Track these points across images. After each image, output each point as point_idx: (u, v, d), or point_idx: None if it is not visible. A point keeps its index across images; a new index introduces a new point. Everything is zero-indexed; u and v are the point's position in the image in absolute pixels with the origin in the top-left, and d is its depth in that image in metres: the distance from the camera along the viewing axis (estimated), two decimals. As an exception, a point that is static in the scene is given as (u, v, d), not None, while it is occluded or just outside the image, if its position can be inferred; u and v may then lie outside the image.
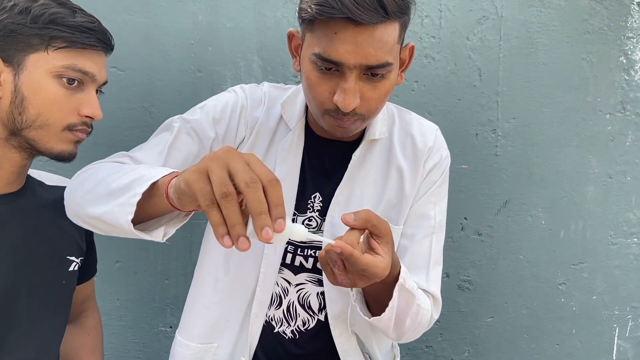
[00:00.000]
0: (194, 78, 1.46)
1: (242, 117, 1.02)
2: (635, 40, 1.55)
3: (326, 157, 1.03)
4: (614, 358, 1.66)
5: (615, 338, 1.66)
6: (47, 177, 1.04)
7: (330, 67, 0.85)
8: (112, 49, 0.98)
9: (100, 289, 1.35)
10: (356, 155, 1.00)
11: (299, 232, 0.68)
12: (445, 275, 1.56)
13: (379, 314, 0.91)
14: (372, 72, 0.85)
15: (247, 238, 0.61)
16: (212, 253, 1.07)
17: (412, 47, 0.95)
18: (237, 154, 0.63)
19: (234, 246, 0.62)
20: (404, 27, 0.87)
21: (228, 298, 1.05)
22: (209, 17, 1.45)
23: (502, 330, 1.63)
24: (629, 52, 1.55)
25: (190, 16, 1.44)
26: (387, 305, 0.90)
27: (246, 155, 0.64)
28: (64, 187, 1.01)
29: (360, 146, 1.01)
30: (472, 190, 1.54)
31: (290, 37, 0.97)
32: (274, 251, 1.01)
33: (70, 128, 0.90)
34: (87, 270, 1.12)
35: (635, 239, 1.61)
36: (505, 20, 1.52)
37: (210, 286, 1.07)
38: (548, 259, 1.60)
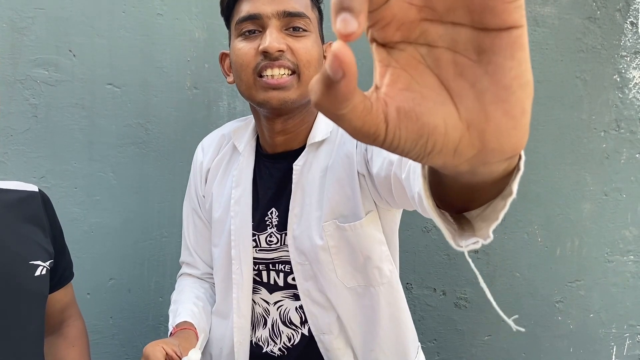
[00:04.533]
0: (190, 95, 1.46)
1: (194, 181, 1.14)
2: (628, 58, 1.56)
3: (275, 172, 1.02)
4: (612, 377, 1.65)
5: (613, 356, 1.64)
6: (2, 183, 1.00)
7: (253, 30, 0.91)
8: None
9: (93, 306, 1.34)
10: (298, 164, 0.98)
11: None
12: (442, 293, 1.55)
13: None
14: (292, 25, 0.91)
15: None
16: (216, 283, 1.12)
17: (330, 46, 1.00)
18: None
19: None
20: (314, 5, 0.96)
21: (223, 326, 1.08)
22: (205, 34, 1.45)
23: (499, 348, 1.62)
24: (623, 71, 1.56)
25: (187, 33, 1.44)
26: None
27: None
28: (21, 191, 1.00)
29: (303, 153, 0.99)
30: (468, 208, 1.54)
31: (222, 57, 1.05)
32: (241, 275, 1.03)
33: None
34: (62, 275, 1.07)
35: (632, 257, 1.61)
36: (499, 39, 1.53)
37: (214, 313, 1.12)
38: (545, 276, 1.60)
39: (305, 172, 0.98)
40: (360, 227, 0.94)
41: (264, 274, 1.03)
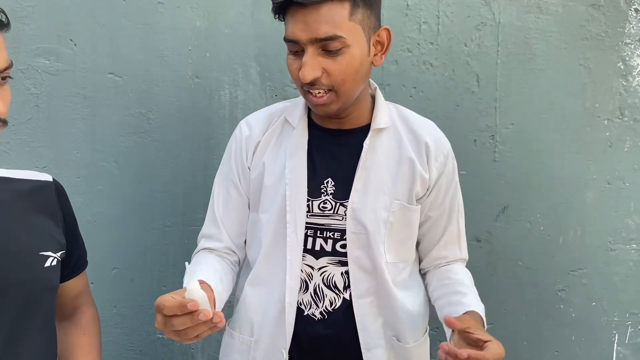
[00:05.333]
0: (192, 84, 1.46)
1: (235, 155, 1.18)
2: (633, 46, 1.55)
3: (333, 146, 1.13)
4: (614, 365, 1.65)
5: (615, 344, 1.65)
6: (16, 172, 0.99)
7: (296, 50, 1.00)
8: (4, 25, 0.82)
9: (96, 295, 1.34)
10: (367, 143, 1.09)
11: (194, 289, 0.83)
12: (444, 281, 1.56)
13: None
14: (327, 48, 0.97)
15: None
16: (252, 249, 1.18)
17: (387, 30, 1.05)
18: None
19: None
20: (357, 6, 0.98)
21: (264, 292, 1.14)
22: (206, 23, 1.45)
23: (501, 336, 1.61)
24: (627, 58, 1.55)
25: (188, 22, 1.44)
26: None
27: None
28: (35, 180, 0.99)
29: (370, 135, 1.10)
30: (470, 197, 1.54)
31: None
32: (296, 238, 1.10)
33: None
34: (76, 264, 1.07)
35: (634, 245, 1.61)
36: (502, 27, 1.52)
37: (249, 283, 1.16)
38: (547, 265, 1.60)
39: (370, 152, 1.10)
40: (416, 211, 1.14)
41: (310, 240, 1.12)
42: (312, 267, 1.12)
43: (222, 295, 1.05)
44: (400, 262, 1.14)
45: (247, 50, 1.47)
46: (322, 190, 1.11)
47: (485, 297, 1.60)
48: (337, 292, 1.12)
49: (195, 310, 0.81)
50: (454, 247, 1.21)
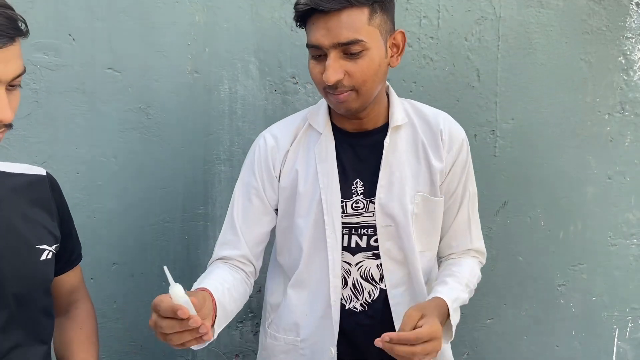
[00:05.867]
0: (191, 79, 1.45)
1: (259, 165, 1.20)
2: (634, 40, 1.55)
3: (357, 147, 1.18)
4: (614, 359, 1.65)
5: (615, 339, 1.65)
6: (12, 166, 1.00)
7: (319, 54, 1.05)
8: (23, 33, 0.81)
9: (96, 291, 1.34)
10: (387, 142, 1.15)
11: (177, 293, 0.84)
12: (444, 276, 1.56)
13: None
14: (348, 51, 1.02)
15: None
16: (287, 254, 1.23)
17: (402, 33, 1.11)
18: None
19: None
20: (375, 11, 1.03)
21: (307, 293, 1.20)
22: (205, 17, 1.44)
23: (501, 332, 1.63)
24: (628, 53, 1.55)
25: (187, 17, 1.43)
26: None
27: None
28: (30, 174, 1.00)
29: (389, 133, 1.16)
30: (470, 191, 1.54)
31: None
32: (335, 239, 1.16)
33: None
34: (69, 259, 1.07)
35: (635, 240, 1.61)
36: (503, 21, 1.51)
37: (291, 286, 1.22)
38: (547, 260, 1.60)
39: (391, 150, 1.16)
40: (439, 203, 1.19)
41: (346, 238, 1.18)
42: (349, 264, 1.18)
43: (226, 307, 1.05)
44: (427, 251, 1.21)
45: (247, 45, 1.47)
46: (353, 191, 1.17)
47: (485, 292, 1.60)
48: (374, 283, 1.19)
49: (185, 318, 0.81)
50: (463, 236, 1.25)
